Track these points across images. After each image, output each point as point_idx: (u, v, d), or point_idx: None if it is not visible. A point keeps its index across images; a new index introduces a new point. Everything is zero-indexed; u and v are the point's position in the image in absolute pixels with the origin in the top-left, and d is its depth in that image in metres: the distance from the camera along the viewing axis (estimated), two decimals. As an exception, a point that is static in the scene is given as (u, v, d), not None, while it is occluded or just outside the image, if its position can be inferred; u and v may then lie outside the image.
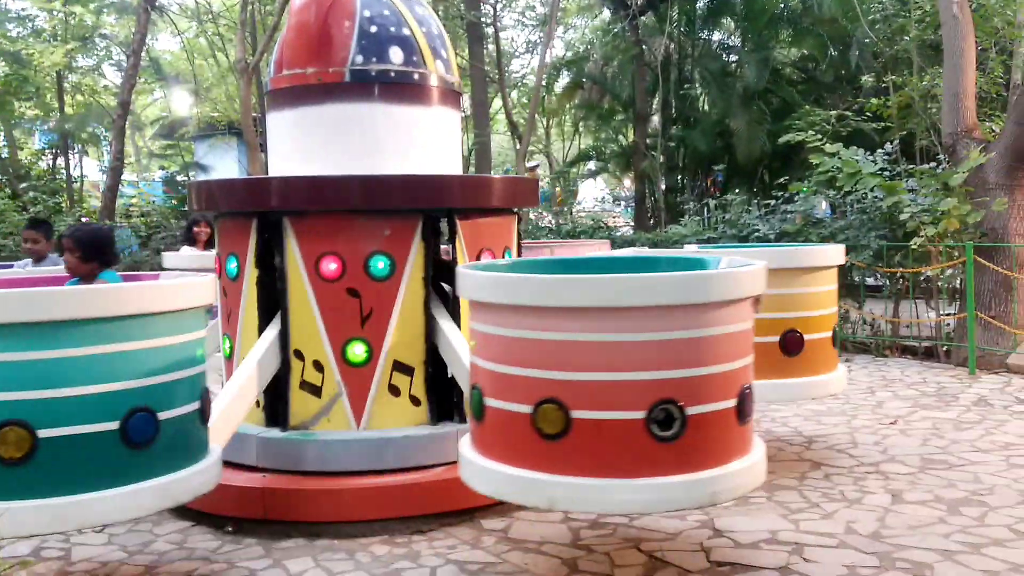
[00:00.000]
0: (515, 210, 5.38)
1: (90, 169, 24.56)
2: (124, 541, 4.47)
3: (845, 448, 5.84)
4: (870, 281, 10.42)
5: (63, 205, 16.09)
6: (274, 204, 4.83)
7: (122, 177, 17.27)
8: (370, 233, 4.72)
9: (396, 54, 5.06)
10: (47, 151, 20.96)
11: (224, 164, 21.77)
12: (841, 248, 5.45)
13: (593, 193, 27.44)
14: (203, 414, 3.76)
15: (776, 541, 4.23)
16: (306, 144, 5.16)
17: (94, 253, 4.40)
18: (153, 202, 17.24)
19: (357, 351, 4.73)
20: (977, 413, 6.73)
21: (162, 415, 3.47)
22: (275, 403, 4.86)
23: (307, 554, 4.20)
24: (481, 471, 3.50)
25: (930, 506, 4.67)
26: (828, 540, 4.23)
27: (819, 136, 10.97)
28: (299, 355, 4.78)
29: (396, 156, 5.08)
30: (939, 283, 9.43)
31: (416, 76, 5.10)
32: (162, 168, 21.47)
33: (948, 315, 9.24)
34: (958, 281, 9.18)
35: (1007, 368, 8.19)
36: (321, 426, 4.79)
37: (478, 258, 5.02)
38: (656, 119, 20.08)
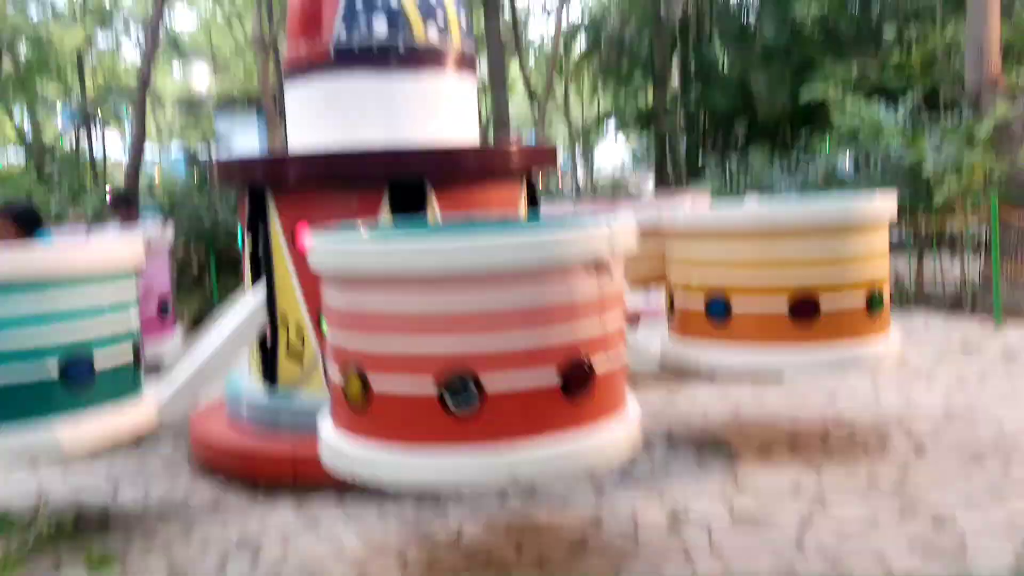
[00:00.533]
0: (523, 175, 5.36)
1: (113, 147, 24.74)
2: (161, 505, 4.59)
3: (869, 402, 5.86)
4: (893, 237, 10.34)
5: (87, 183, 16.24)
6: (257, 178, 5.05)
7: (144, 154, 17.40)
8: (339, 205, 4.76)
9: (380, 25, 5.08)
10: (70, 130, 21.13)
11: (245, 137, 21.87)
12: (888, 200, 4.71)
13: (612, 154, 27.31)
14: (136, 361, 4.15)
15: (799, 494, 4.28)
16: (310, 117, 5.27)
17: (29, 225, 4.80)
18: (175, 179, 17.39)
19: None
20: (1003, 364, 6.72)
21: (98, 361, 3.88)
22: (267, 366, 5.06)
23: (337, 509, 4.30)
24: (320, 441, 3.48)
25: (953, 458, 4.69)
26: (850, 493, 4.26)
27: (840, 93, 10.89)
28: (284, 323, 4.96)
29: (396, 126, 5.08)
30: (963, 235, 9.36)
31: (401, 46, 5.09)
32: (182, 144, 21.55)
33: (973, 267, 9.17)
34: (982, 234, 9.11)
35: (1033, 319, 8.15)
36: (305, 388, 4.94)
37: None
38: (675, 79, 19.95)
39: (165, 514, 4.48)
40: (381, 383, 3.18)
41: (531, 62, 24.86)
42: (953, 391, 6.03)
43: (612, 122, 23.22)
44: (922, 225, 9.38)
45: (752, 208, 4.81)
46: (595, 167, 20.95)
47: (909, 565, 3.49)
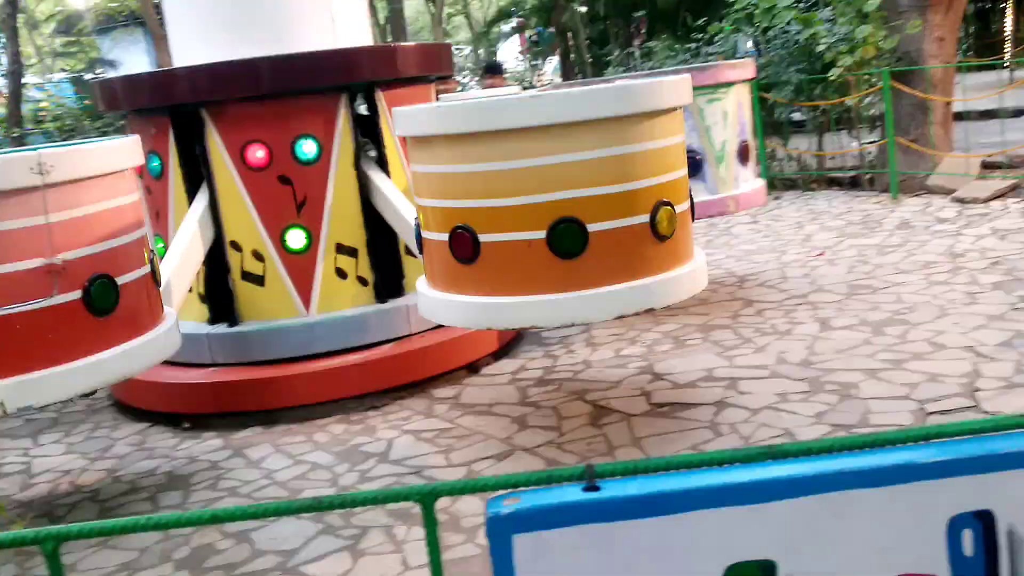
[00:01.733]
0: (431, 78, 5.35)
1: (-10, 74, 23.34)
2: (84, 448, 4.55)
3: (775, 283, 6.06)
4: (796, 116, 10.54)
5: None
6: (107, 103, 4.98)
7: (26, 80, 16.53)
8: (150, 131, 4.68)
9: None
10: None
11: (132, 57, 20.87)
12: (679, 81, 3.71)
13: (515, 51, 26.91)
14: None
15: (712, 378, 4.45)
16: (186, 32, 5.14)
17: None
18: (64, 104, 16.57)
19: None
20: (900, 236, 6.99)
21: None
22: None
23: (266, 440, 4.32)
24: None
25: (856, 330, 4.91)
26: (761, 372, 4.45)
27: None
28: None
29: (266, 37, 4.93)
30: (859, 112, 9.58)
31: None
32: (63, 69, 20.44)
33: (870, 143, 9.43)
34: (878, 109, 9.34)
35: (927, 189, 8.46)
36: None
37: None
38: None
39: (89, 458, 4.45)
40: None
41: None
42: (855, 266, 6.27)
43: (513, 18, 22.83)
44: (820, 104, 9.56)
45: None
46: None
47: (816, 436, 3.69)
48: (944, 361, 4.29)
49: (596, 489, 1.35)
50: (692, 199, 3.88)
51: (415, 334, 4.95)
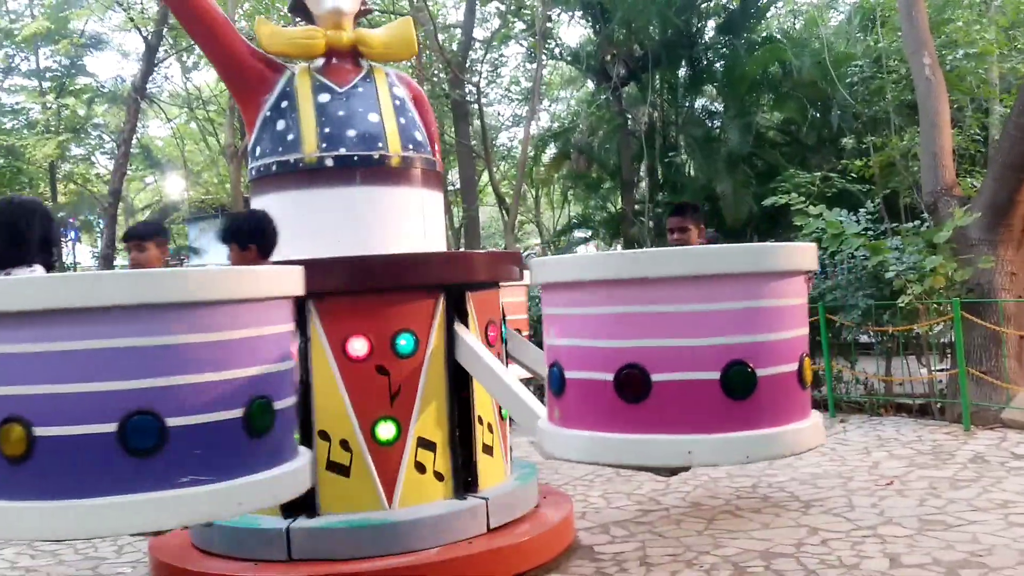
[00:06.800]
0: (498, 284, 5.48)
1: (83, 255, 24.70)
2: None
3: (842, 512, 5.80)
4: (863, 338, 10.44)
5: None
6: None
7: (115, 263, 17.41)
8: None
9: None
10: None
11: (217, 246, 21.89)
12: None
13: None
14: None
15: (774, 612, 4.19)
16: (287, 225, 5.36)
17: None
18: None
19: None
20: (974, 470, 6.70)
21: None
22: None
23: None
24: None
25: (928, 569, 4.62)
26: (827, 609, 4.18)
27: (802, 199, 11.12)
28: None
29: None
30: (929, 340, 9.46)
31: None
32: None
33: (940, 371, 9.24)
34: (948, 337, 9.21)
35: (1002, 423, 8.17)
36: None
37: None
38: (643, 186, 20.32)
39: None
40: None
41: (502, 167, 25.34)
42: (926, 499, 5.99)
43: (582, 228, 23.55)
44: (888, 329, 9.48)
45: None
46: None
47: None
48: (1027, 612, 3.98)
49: None
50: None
51: (476, 536, 4.84)
